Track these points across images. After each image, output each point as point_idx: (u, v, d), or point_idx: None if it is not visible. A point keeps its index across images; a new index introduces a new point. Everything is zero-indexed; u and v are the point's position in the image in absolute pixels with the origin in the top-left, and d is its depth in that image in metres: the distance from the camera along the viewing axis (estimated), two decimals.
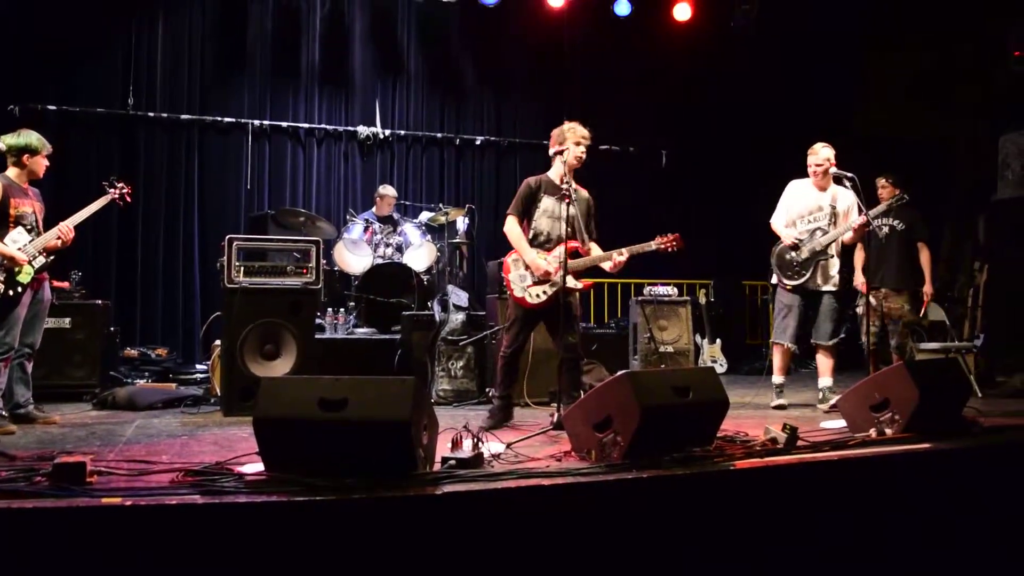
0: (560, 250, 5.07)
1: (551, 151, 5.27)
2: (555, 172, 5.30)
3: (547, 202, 5.23)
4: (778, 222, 6.27)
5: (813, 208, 6.15)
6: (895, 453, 4.05)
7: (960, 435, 4.42)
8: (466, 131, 10.43)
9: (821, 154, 6.09)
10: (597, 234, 5.36)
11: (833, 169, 5.97)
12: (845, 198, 6.10)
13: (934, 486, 4.05)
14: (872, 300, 6.29)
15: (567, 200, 4.96)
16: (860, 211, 5.89)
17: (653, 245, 5.22)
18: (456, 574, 3.09)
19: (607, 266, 5.14)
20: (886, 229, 6.86)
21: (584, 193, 5.36)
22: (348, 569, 2.95)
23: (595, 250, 5.25)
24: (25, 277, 5.01)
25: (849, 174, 5.82)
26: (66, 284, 6.69)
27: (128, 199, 5.71)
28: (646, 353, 7.54)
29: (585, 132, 5.23)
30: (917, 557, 3.92)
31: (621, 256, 5.11)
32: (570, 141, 5.18)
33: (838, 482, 3.86)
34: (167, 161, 9.20)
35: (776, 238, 6.27)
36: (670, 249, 5.25)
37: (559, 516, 3.24)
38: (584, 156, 5.20)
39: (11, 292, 4.96)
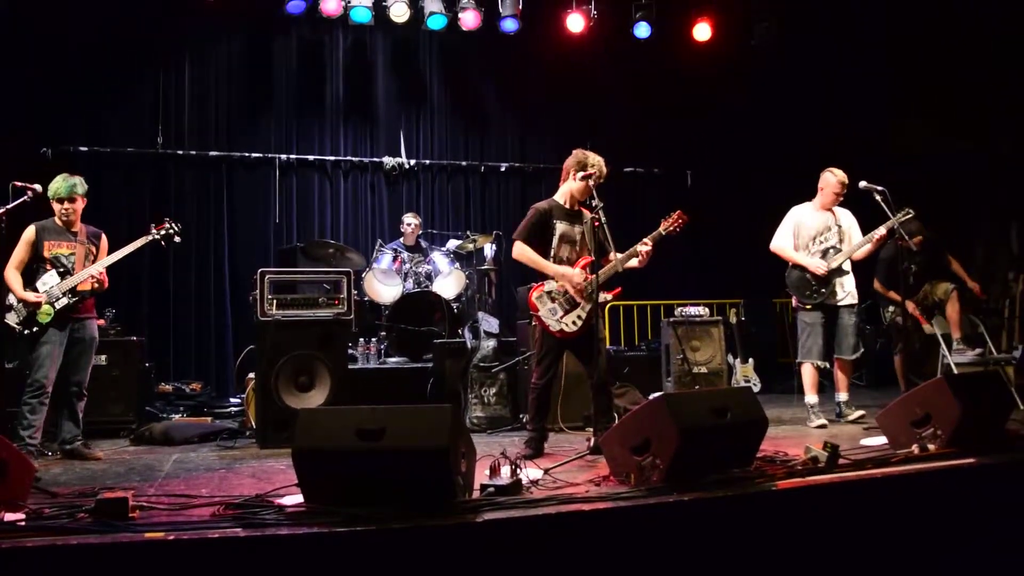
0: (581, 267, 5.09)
1: (575, 173, 5.18)
2: (562, 196, 5.27)
3: (561, 227, 5.16)
4: (785, 245, 6.37)
5: (822, 229, 6.33)
6: (939, 469, 4.00)
7: (1004, 449, 4.36)
8: (490, 158, 10.45)
9: (843, 178, 6.21)
10: (613, 245, 5.12)
11: (863, 183, 5.97)
12: (846, 216, 6.36)
13: (979, 501, 3.98)
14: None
15: (596, 223, 4.93)
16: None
17: (661, 230, 5.17)
18: None
19: (635, 263, 5.07)
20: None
21: (587, 213, 5.28)
22: None
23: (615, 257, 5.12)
24: (44, 317, 5.16)
25: (879, 187, 5.88)
26: (101, 322, 6.76)
27: (178, 238, 5.71)
28: (680, 375, 7.48)
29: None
30: (965, 573, 3.85)
31: (645, 246, 5.04)
32: (595, 170, 5.12)
33: (882, 500, 3.81)
34: (197, 197, 9.32)
35: (783, 261, 6.39)
36: (678, 228, 5.20)
37: (600, 541, 3.22)
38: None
39: (27, 331, 5.13)
